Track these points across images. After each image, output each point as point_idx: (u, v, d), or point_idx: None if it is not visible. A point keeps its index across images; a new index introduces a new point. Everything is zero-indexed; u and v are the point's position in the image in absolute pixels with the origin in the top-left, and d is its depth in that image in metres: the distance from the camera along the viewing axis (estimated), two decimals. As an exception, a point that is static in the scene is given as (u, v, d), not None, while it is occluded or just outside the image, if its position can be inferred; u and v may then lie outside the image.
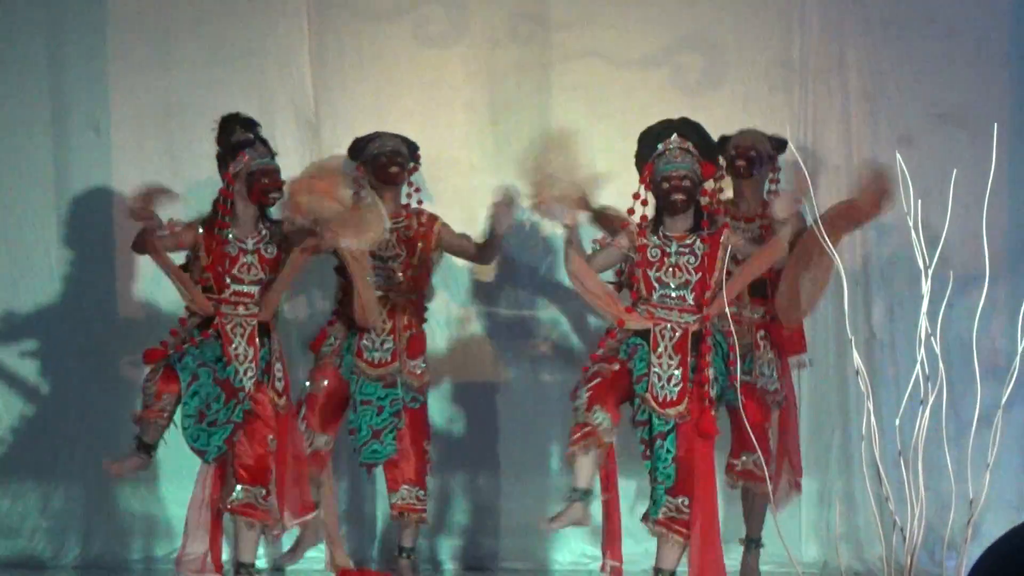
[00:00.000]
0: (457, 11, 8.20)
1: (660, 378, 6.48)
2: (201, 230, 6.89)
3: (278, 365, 7.00)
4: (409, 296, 7.40)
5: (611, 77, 8.17)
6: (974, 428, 6.18)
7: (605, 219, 7.05)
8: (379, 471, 7.49)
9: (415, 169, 7.53)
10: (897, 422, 6.15)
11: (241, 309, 6.89)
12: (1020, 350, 6.18)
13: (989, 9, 8.00)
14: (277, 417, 6.92)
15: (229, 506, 6.86)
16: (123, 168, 8.17)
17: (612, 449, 6.59)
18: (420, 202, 7.55)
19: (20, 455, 8.22)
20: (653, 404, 6.47)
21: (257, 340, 6.90)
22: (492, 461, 8.19)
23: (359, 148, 7.46)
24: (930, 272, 6.11)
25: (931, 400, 6.11)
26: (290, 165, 8.10)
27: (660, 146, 6.56)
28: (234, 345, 6.85)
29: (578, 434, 6.39)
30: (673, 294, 6.51)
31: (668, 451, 6.45)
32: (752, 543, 7.37)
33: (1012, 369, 6.20)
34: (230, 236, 6.88)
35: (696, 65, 8.17)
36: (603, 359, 6.53)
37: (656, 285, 6.51)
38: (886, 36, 8.05)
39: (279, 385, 6.97)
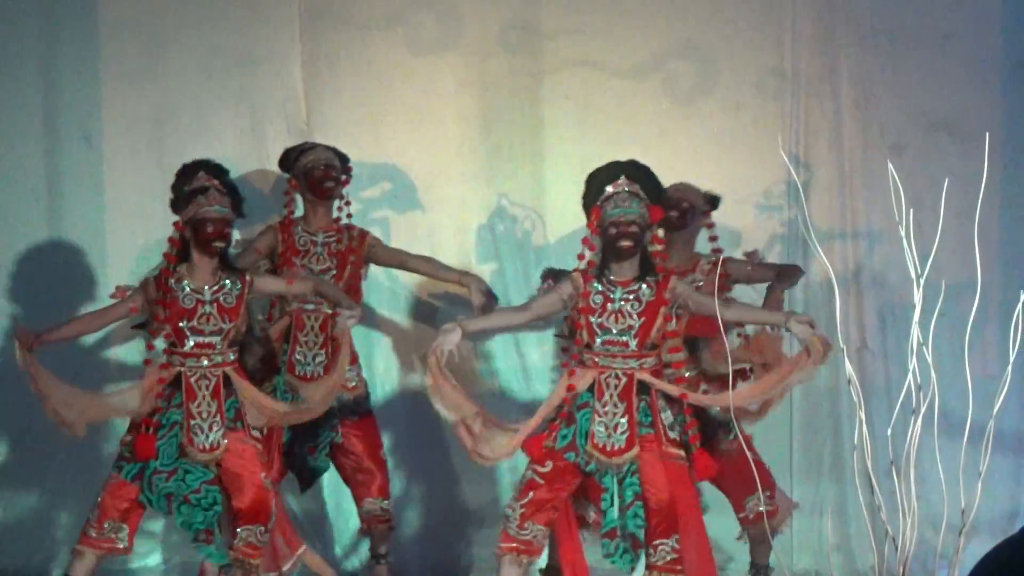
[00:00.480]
0: (449, 20, 8.20)
1: (607, 427, 6.35)
2: (153, 285, 6.74)
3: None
4: (335, 311, 7.30)
5: (603, 86, 8.17)
6: (966, 438, 6.17)
7: None
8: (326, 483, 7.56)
9: (346, 182, 7.53)
10: (889, 431, 6.15)
11: (204, 361, 6.75)
12: (1012, 360, 6.18)
13: (981, 18, 8.01)
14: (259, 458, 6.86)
15: (234, 552, 6.76)
16: (115, 177, 8.17)
17: (570, 506, 6.52)
18: (349, 216, 7.54)
19: (12, 464, 8.21)
20: (600, 457, 6.34)
21: (222, 391, 6.75)
22: (474, 470, 8.18)
23: (290, 160, 7.46)
24: (922, 281, 6.11)
25: (923, 409, 6.11)
26: (282, 174, 8.13)
27: (608, 188, 6.38)
28: (196, 401, 6.71)
29: (511, 544, 6.37)
30: (616, 340, 6.37)
31: (625, 499, 6.33)
32: (761, 570, 7.32)
33: (1004, 379, 6.20)
34: (185, 287, 6.74)
35: (688, 74, 8.18)
36: (548, 454, 6.41)
37: (598, 331, 6.37)
38: (878, 45, 8.05)
39: (255, 432, 6.87)
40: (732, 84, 8.13)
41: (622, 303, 6.38)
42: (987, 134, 6.25)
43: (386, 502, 7.46)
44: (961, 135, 7.88)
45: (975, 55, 8.00)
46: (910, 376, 6.11)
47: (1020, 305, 6.15)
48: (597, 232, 6.39)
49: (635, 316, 6.37)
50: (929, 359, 6.11)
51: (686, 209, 7.19)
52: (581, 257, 6.45)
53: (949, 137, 7.95)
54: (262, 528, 6.76)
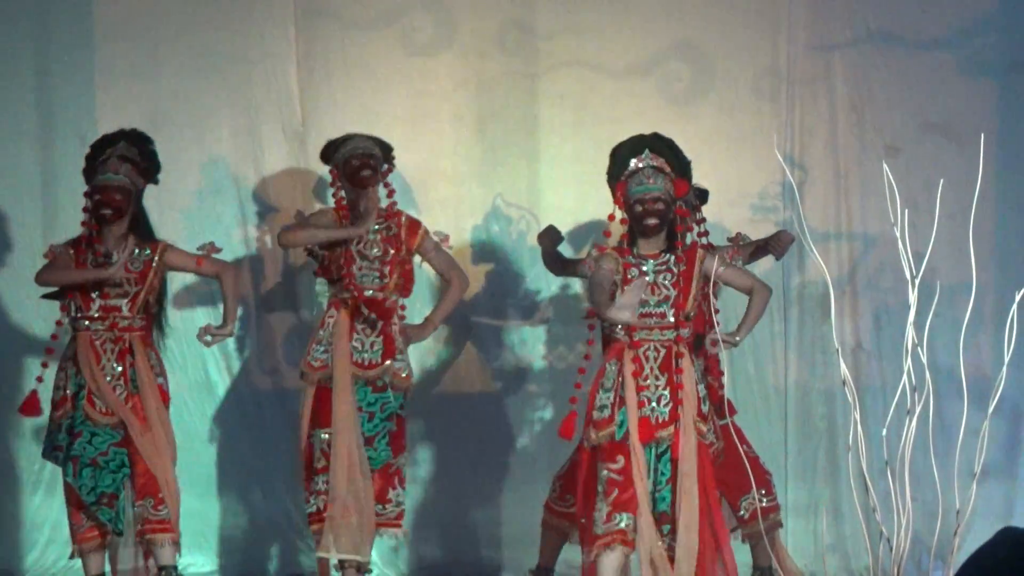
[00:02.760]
0: (444, 20, 8.19)
1: (649, 400, 6.37)
2: (72, 250, 6.89)
3: (160, 379, 6.98)
4: (393, 297, 7.27)
5: (598, 86, 8.17)
6: (961, 438, 6.18)
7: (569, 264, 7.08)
8: None
9: (390, 171, 7.35)
10: (884, 432, 6.15)
11: (109, 324, 6.87)
12: (1006, 360, 6.19)
13: (976, 20, 8.01)
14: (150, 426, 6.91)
15: (138, 529, 6.87)
16: (109, 177, 8.16)
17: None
18: (394, 204, 7.31)
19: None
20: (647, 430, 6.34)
21: (128, 357, 6.88)
22: (480, 471, 8.19)
23: (331, 151, 7.30)
24: (917, 282, 6.12)
25: (918, 410, 6.11)
26: (277, 175, 8.12)
27: (632, 163, 6.42)
28: (100, 364, 6.82)
29: (603, 540, 6.29)
30: (652, 312, 6.39)
31: (662, 473, 6.37)
32: (764, 572, 7.29)
33: (998, 379, 6.21)
34: (94, 251, 6.87)
35: (683, 74, 8.18)
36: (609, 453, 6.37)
37: (636, 324, 6.34)
38: (873, 46, 8.05)
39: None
40: (727, 85, 8.13)
41: (655, 276, 6.40)
42: (982, 135, 6.26)
43: (380, 506, 7.31)
44: (956, 136, 7.88)
45: (970, 57, 8.00)
46: (905, 377, 6.11)
47: (1015, 306, 6.16)
48: (623, 207, 6.41)
49: (670, 287, 6.39)
50: (924, 360, 6.11)
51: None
52: (608, 234, 6.45)
53: (944, 138, 7.95)
54: (151, 500, 6.81)
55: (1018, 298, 6.17)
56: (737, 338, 6.47)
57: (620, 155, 6.47)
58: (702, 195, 7.25)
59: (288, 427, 7.98)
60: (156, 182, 7.06)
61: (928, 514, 6.45)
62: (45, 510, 8.10)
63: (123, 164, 6.90)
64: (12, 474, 8.19)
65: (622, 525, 6.30)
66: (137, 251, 6.93)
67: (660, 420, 6.37)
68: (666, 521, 6.37)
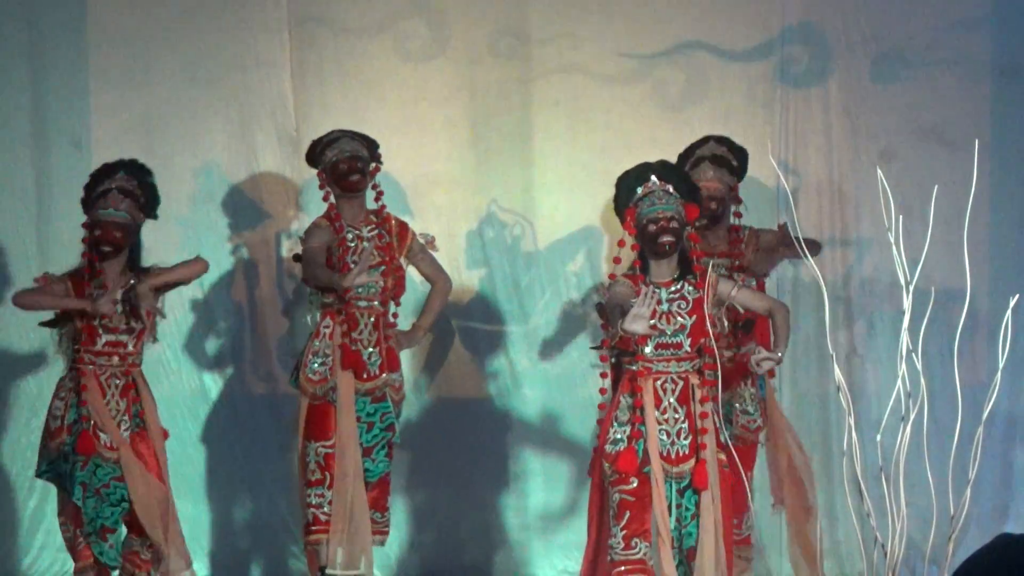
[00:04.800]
0: (438, 27, 8.20)
1: (668, 435, 6.15)
2: (70, 282, 6.77)
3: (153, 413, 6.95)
4: (386, 307, 7.24)
5: (592, 92, 8.17)
6: (955, 443, 6.19)
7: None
8: None
9: (377, 170, 7.30)
10: (878, 437, 6.16)
11: (116, 360, 6.77)
12: (1000, 366, 6.20)
13: (969, 26, 8.02)
14: (159, 465, 6.86)
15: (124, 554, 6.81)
16: (104, 183, 8.16)
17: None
18: (383, 207, 7.30)
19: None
20: (664, 465, 6.14)
21: (131, 392, 6.81)
22: (474, 476, 8.19)
23: (317, 153, 7.23)
24: (911, 288, 6.12)
25: (912, 416, 6.12)
26: (271, 181, 8.13)
27: (640, 189, 6.20)
28: (105, 399, 6.74)
29: (620, 568, 6.10)
30: (669, 342, 6.16)
31: (687, 508, 6.17)
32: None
33: (993, 384, 6.22)
34: (96, 285, 6.76)
35: (677, 80, 8.18)
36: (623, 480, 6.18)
37: (652, 334, 6.10)
38: (867, 52, 8.06)
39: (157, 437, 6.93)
40: (722, 90, 8.13)
41: (669, 304, 6.19)
42: (976, 141, 6.27)
43: (379, 515, 7.30)
44: (950, 142, 7.89)
45: (964, 62, 8.01)
46: (899, 382, 6.12)
47: (1009, 312, 6.17)
48: (634, 233, 6.21)
49: (685, 315, 6.18)
50: (918, 365, 6.11)
51: (722, 197, 7.17)
52: (618, 260, 6.35)
53: (938, 144, 7.96)
54: (147, 540, 6.79)
55: (1012, 304, 6.18)
56: (779, 353, 6.23)
57: (626, 183, 6.26)
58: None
59: (281, 433, 7.99)
60: (155, 217, 6.92)
61: (922, 520, 6.46)
62: (40, 514, 8.11)
63: (124, 199, 6.76)
64: (7, 479, 8.19)
65: (641, 554, 6.12)
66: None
67: (680, 454, 6.17)
68: (695, 557, 6.17)
